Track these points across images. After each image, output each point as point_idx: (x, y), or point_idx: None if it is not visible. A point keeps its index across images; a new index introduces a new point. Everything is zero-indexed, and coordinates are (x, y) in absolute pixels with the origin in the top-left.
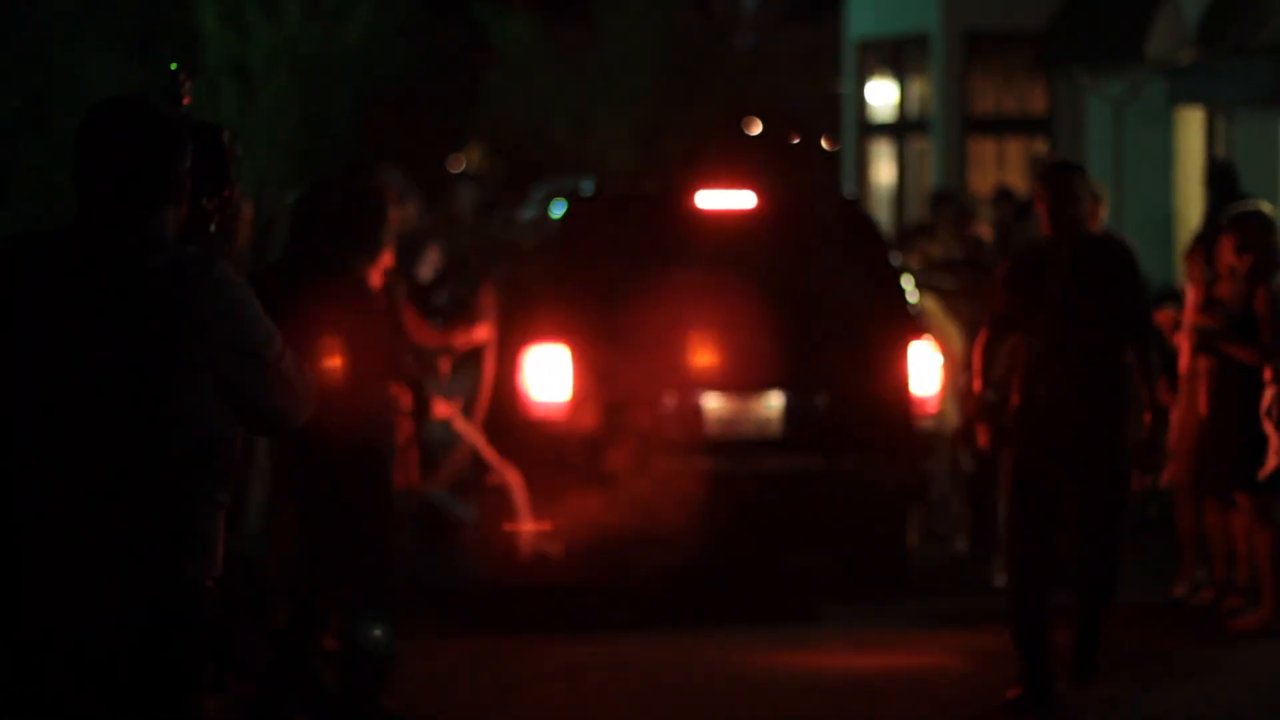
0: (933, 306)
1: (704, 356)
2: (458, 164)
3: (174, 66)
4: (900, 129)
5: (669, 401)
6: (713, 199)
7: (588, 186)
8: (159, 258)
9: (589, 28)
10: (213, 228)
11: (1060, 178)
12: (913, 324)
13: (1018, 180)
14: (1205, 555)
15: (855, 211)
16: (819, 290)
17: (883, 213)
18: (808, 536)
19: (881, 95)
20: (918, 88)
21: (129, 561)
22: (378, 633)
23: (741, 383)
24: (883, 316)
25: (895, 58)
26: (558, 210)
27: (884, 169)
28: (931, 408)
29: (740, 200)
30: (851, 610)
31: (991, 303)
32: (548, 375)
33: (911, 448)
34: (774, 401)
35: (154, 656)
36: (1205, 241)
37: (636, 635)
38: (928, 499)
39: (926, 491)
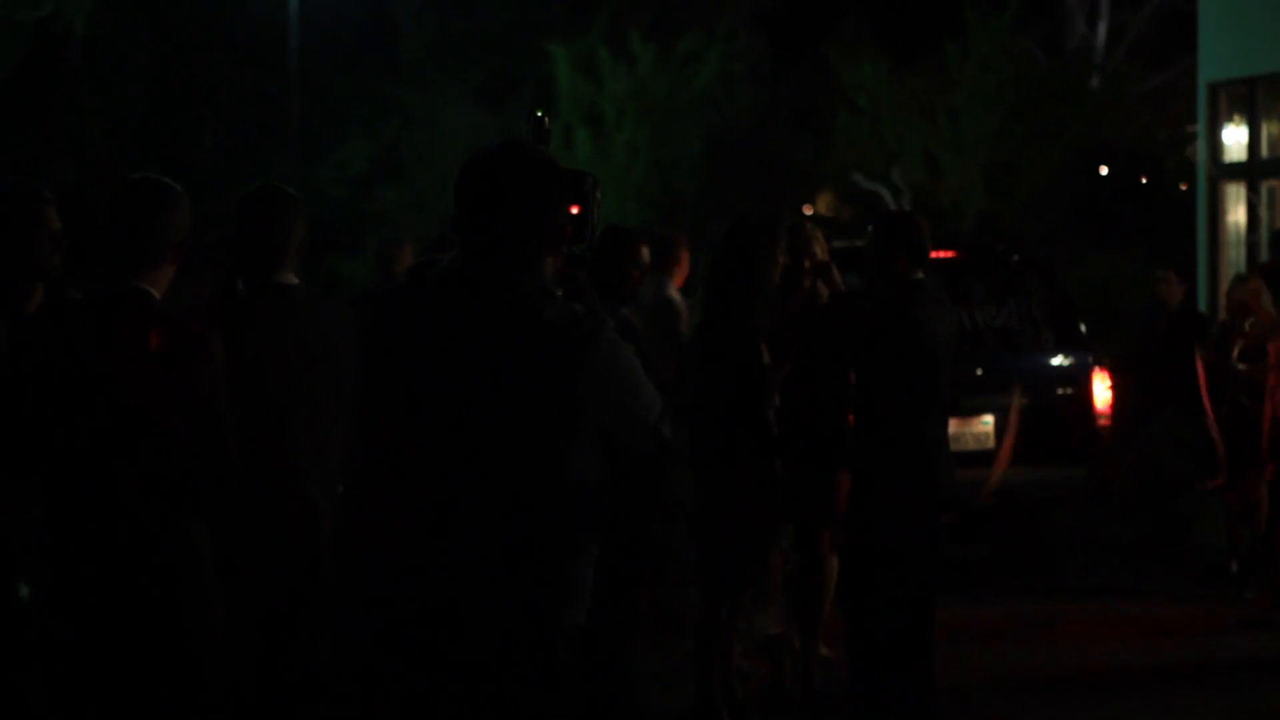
0: None
1: None
2: (807, 210)
3: (540, 113)
4: (1253, 170)
5: None
6: None
7: None
8: (552, 312)
9: (939, 71)
10: (581, 276)
11: None
12: (1092, 355)
13: None
14: None
15: (1039, 263)
16: (1018, 328)
17: (1235, 256)
18: (1021, 528)
19: (1235, 136)
20: (1272, 129)
21: (510, 609)
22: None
23: (962, 406)
24: (1068, 349)
25: (1249, 98)
26: None
27: (1237, 211)
28: (1106, 423)
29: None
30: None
31: None
32: None
33: (1097, 458)
34: (987, 420)
35: (528, 706)
36: None
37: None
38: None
39: (1107, 491)
